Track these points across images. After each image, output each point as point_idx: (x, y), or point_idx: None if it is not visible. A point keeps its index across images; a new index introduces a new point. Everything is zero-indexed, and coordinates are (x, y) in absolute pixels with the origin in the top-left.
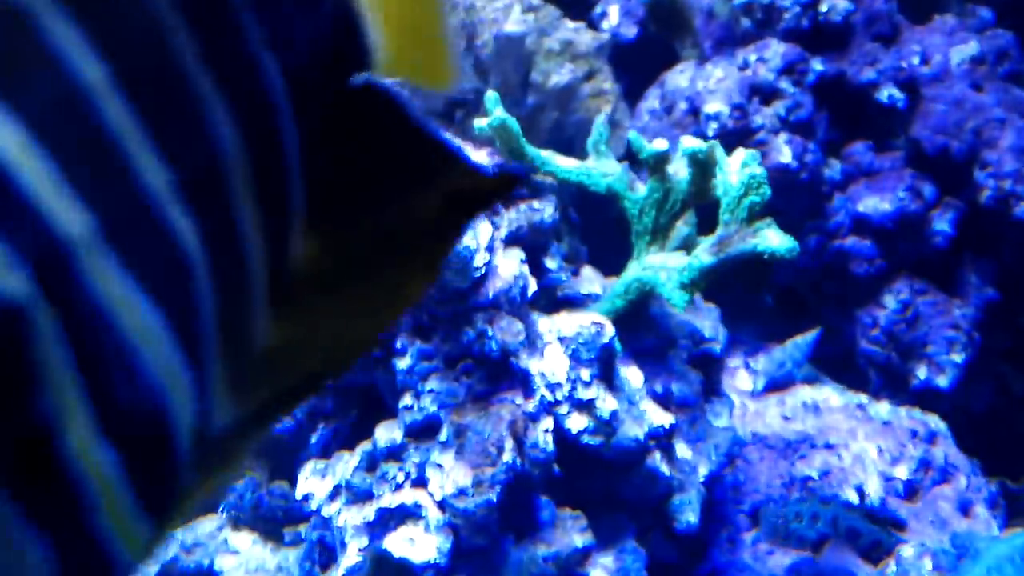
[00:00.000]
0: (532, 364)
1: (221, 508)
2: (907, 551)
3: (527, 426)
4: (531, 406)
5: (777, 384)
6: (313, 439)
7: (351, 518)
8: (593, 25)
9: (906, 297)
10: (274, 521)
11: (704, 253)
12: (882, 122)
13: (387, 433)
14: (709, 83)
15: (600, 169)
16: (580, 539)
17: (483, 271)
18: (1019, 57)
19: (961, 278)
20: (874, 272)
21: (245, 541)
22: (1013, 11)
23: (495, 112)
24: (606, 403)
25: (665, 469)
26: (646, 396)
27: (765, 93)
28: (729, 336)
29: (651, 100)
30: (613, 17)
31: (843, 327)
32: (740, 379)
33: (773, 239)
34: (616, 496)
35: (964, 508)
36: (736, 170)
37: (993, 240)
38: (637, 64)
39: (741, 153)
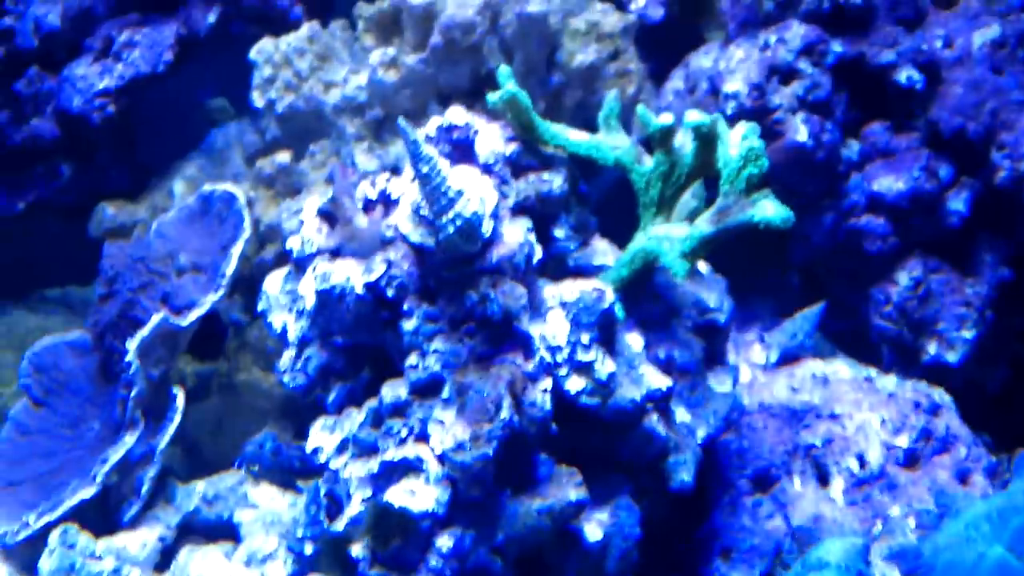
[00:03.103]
0: (533, 327)
1: (240, 463)
2: (894, 511)
3: (526, 386)
4: (531, 367)
5: (789, 356)
6: (330, 398)
7: (356, 471)
8: (621, 6)
9: (918, 274)
10: (291, 472)
11: (704, 223)
12: (901, 103)
13: (392, 391)
14: (731, 63)
15: (609, 142)
16: (575, 494)
17: (489, 237)
18: None
19: (975, 257)
20: (887, 250)
21: (264, 495)
22: None
23: (507, 86)
24: (604, 366)
25: (662, 430)
26: (646, 360)
27: (784, 73)
28: (744, 311)
29: (676, 80)
30: None
31: (857, 304)
32: (755, 352)
33: (769, 209)
34: (613, 455)
35: (962, 476)
36: (736, 143)
37: (1008, 220)
38: (664, 45)
39: (742, 126)
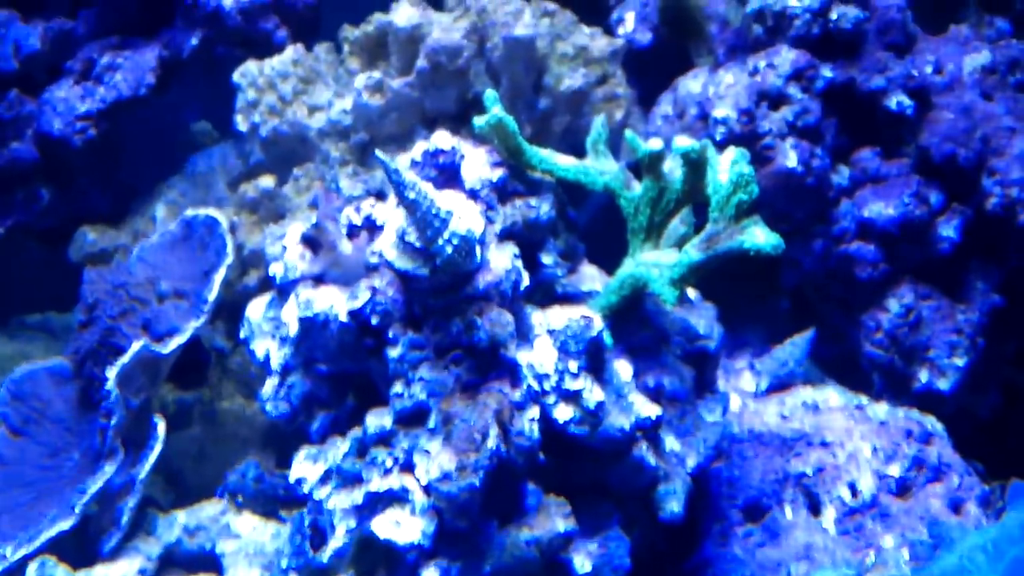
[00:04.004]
0: (521, 355)
1: (222, 492)
2: (887, 541)
3: (513, 415)
4: (518, 395)
5: (780, 384)
6: (314, 427)
7: (340, 502)
8: (609, 31)
9: (909, 301)
10: (275, 502)
11: (693, 250)
12: (891, 129)
13: (377, 420)
14: (719, 88)
15: (597, 168)
16: (563, 524)
17: (476, 264)
18: None
19: (966, 284)
20: (878, 276)
21: (246, 525)
22: None
23: (493, 110)
24: (593, 394)
25: (651, 459)
26: (635, 389)
27: (773, 99)
28: (734, 338)
29: (664, 105)
30: (629, 23)
31: (848, 330)
32: (744, 380)
33: (759, 236)
34: (602, 485)
35: (955, 505)
36: (726, 168)
37: (1000, 247)
38: (653, 70)
39: (731, 152)
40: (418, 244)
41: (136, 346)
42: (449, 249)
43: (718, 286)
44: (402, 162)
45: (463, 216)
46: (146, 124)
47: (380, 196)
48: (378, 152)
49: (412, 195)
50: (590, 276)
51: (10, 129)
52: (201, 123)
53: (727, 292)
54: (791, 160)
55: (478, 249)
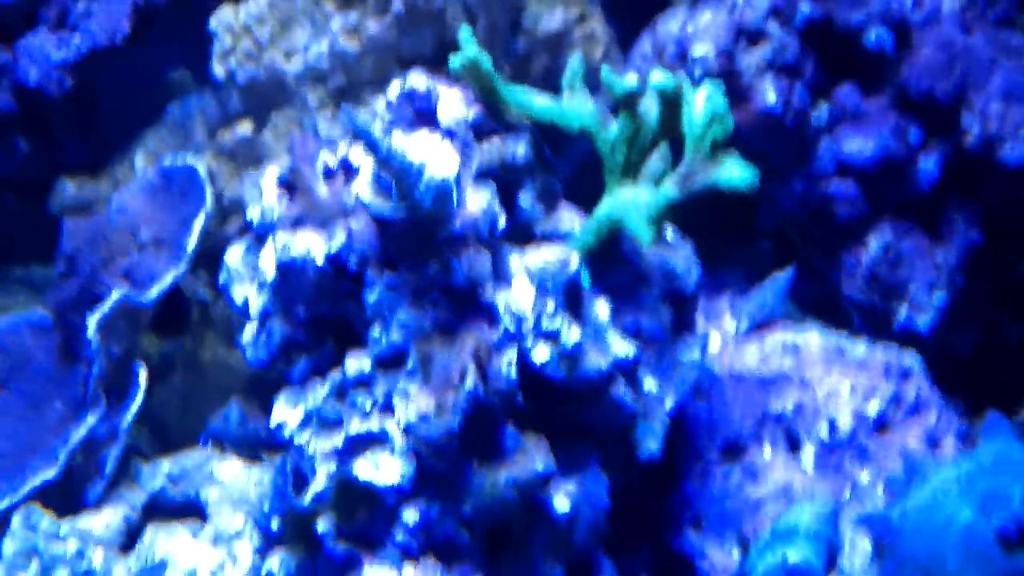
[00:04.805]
0: (498, 296)
1: (204, 439)
2: (864, 477)
3: (491, 355)
4: (496, 336)
5: (760, 324)
6: (294, 372)
7: (320, 445)
8: None
9: (888, 239)
10: (258, 446)
11: (669, 187)
12: (870, 66)
13: (356, 363)
14: (698, 27)
15: (573, 107)
16: (542, 465)
17: (453, 208)
18: (1011, 1)
19: (946, 221)
20: (857, 215)
21: (230, 472)
22: None
23: (468, 49)
24: (571, 334)
25: (629, 399)
26: (612, 328)
27: (752, 35)
28: (715, 279)
29: (643, 45)
30: None
31: (828, 271)
32: (725, 321)
33: (735, 171)
34: (580, 425)
35: (933, 442)
36: (701, 104)
37: (979, 183)
38: (631, 9)
39: (706, 86)
40: (402, 195)
41: (116, 294)
42: (426, 199)
43: (698, 227)
44: (378, 106)
45: (437, 162)
46: (123, 73)
47: (356, 137)
48: (345, 107)
49: (383, 151)
50: (568, 218)
51: None
52: (179, 71)
53: (707, 234)
54: (770, 97)
55: (455, 193)
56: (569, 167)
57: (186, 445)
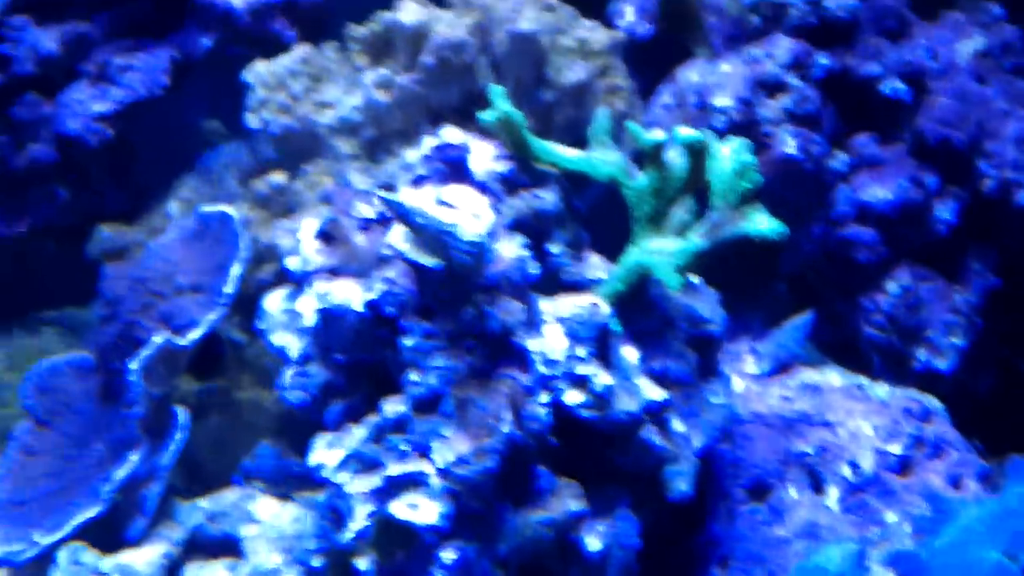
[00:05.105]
0: (531, 342)
1: (239, 479)
2: (891, 516)
3: (525, 400)
4: (529, 381)
5: (781, 366)
6: (331, 415)
7: (360, 486)
8: (609, 23)
9: (907, 283)
10: (291, 483)
11: (697, 236)
12: (887, 115)
13: (394, 407)
14: (719, 78)
15: (601, 158)
16: (575, 505)
17: (487, 260)
18: None
19: (963, 265)
20: (876, 259)
21: (266, 510)
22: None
23: (500, 105)
24: (601, 379)
25: (658, 441)
26: (641, 373)
27: (771, 87)
28: (735, 322)
29: (664, 96)
30: (628, 15)
31: (847, 313)
32: (747, 363)
33: (763, 222)
34: (612, 467)
35: (955, 481)
36: (728, 157)
37: (995, 228)
38: (652, 61)
39: (734, 141)
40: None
41: (158, 339)
42: (461, 256)
43: (718, 271)
44: (409, 156)
45: (470, 220)
46: (159, 123)
47: (390, 189)
48: (381, 193)
49: (420, 220)
50: (595, 264)
51: (29, 131)
52: (212, 121)
53: (727, 277)
54: (790, 147)
55: (487, 246)
56: (585, 207)
57: (219, 483)
